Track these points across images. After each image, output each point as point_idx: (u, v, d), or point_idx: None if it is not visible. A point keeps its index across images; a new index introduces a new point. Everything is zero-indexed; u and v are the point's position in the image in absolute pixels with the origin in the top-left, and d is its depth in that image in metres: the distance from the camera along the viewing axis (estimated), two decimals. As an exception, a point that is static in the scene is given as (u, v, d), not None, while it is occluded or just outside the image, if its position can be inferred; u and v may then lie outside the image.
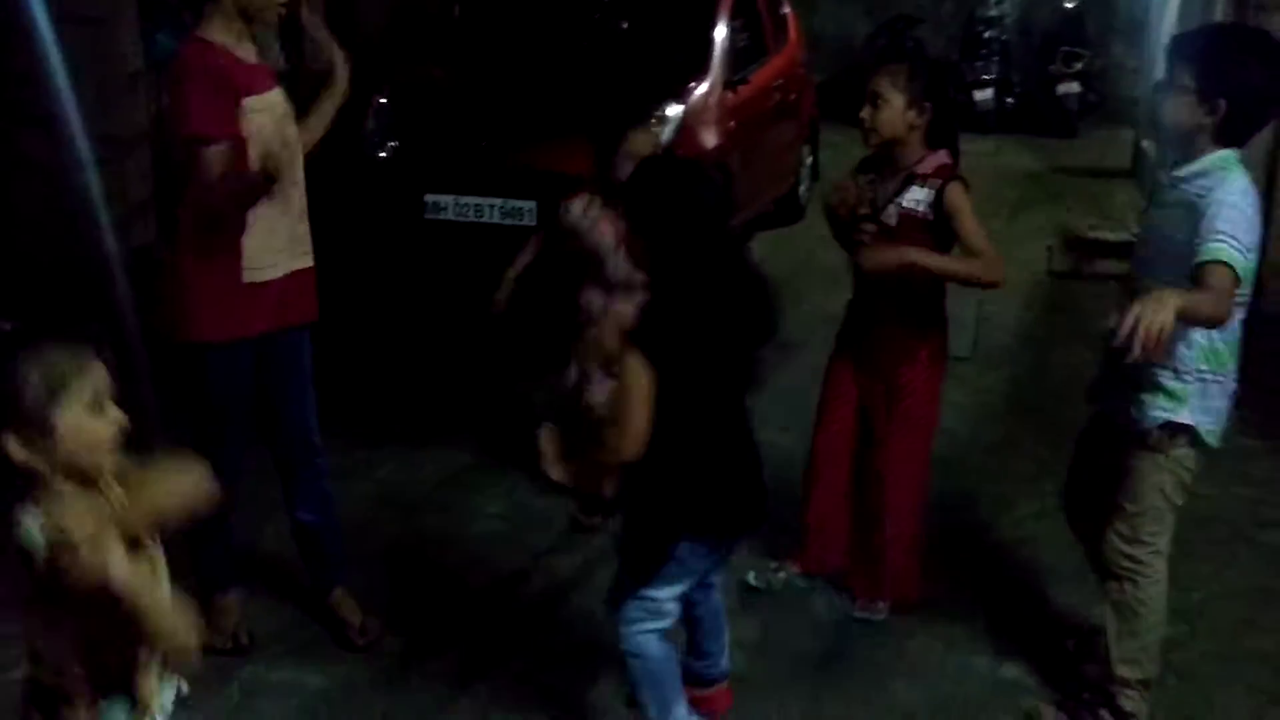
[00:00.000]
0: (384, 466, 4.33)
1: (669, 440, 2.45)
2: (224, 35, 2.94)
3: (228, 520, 3.11)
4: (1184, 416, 2.67)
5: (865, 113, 3.15)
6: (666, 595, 2.60)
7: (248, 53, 3.00)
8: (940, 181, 3.13)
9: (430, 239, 5.60)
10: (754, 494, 2.65)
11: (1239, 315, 2.64)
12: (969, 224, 3.10)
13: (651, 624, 2.63)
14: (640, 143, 3.48)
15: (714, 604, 2.84)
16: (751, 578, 3.53)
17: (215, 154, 2.86)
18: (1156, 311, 2.26)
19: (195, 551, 3.12)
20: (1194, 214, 2.53)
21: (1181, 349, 2.61)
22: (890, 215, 3.16)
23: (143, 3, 5.51)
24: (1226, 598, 3.54)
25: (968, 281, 3.18)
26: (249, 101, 2.93)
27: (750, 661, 3.06)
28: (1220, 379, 2.69)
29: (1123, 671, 2.85)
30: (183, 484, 2.01)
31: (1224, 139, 2.62)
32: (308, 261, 3.15)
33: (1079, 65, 10.48)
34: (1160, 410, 2.67)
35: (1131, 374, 2.64)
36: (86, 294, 4.02)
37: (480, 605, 3.54)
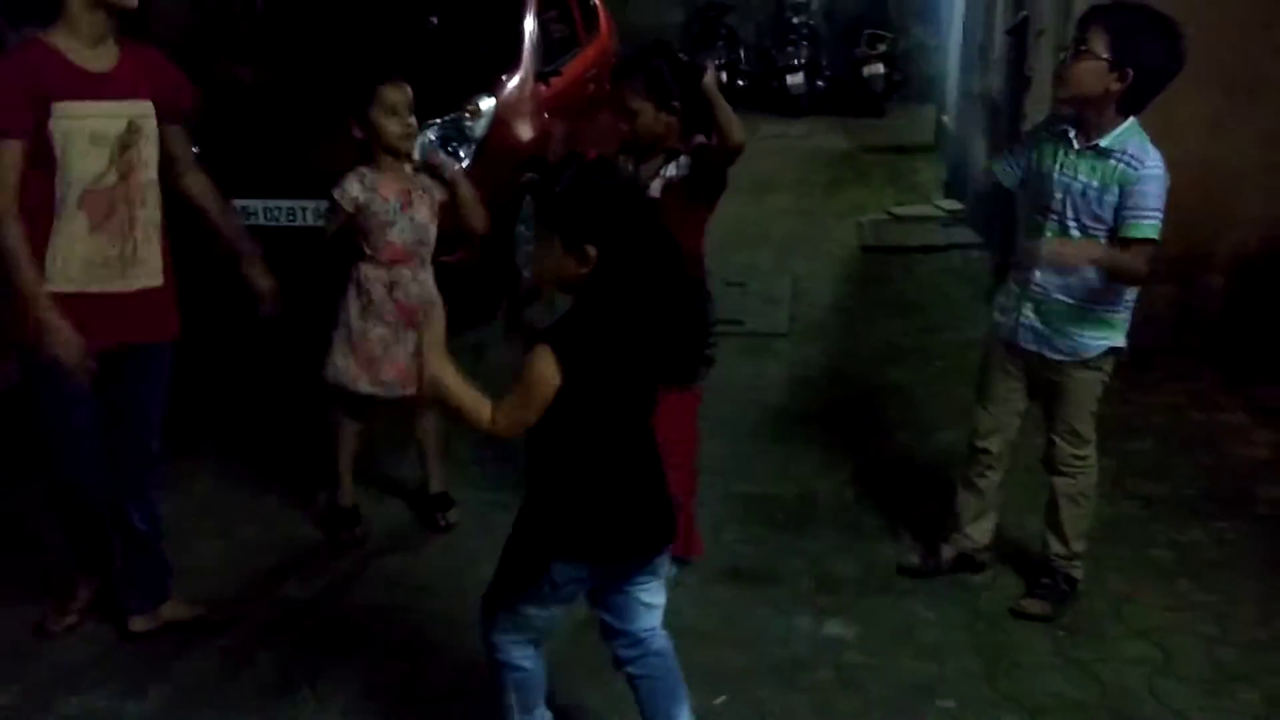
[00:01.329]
0: (198, 478, 4.23)
1: (564, 455, 2.36)
2: (68, 39, 2.87)
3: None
4: (1119, 340, 3.23)
5: (624, 124, 3.25)
6: (537, 614, 2.50)
7: (95, 59, 2.90)
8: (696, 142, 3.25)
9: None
10: (647, 520, 2.46)
11: None
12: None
13: (518, 635, 2.55)
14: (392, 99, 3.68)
15: (650, 666, 2.59)
16: None
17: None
18: (1078, 255, 3.03)
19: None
20: (1125, 179, 3.01)
21: (1124, 288, 3.15)
22: (654, 189, 3.25)
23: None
24: (1031, 539, 3.73)
25: None
26: (60, 106, 2.83)
27: (576, 640, 3.09)
28: (1133, 306, 3.23)
29: (1077, 547, 3.42)
30: None
31: (1126, 106, 3.02)
32: (140, 283, 3.07)
33: (883, 47, 10.90)
34: (1102, 340, 3.20)
35: (1074, 314, 3.17)
36: None
37: (307, 613, 3.48)
